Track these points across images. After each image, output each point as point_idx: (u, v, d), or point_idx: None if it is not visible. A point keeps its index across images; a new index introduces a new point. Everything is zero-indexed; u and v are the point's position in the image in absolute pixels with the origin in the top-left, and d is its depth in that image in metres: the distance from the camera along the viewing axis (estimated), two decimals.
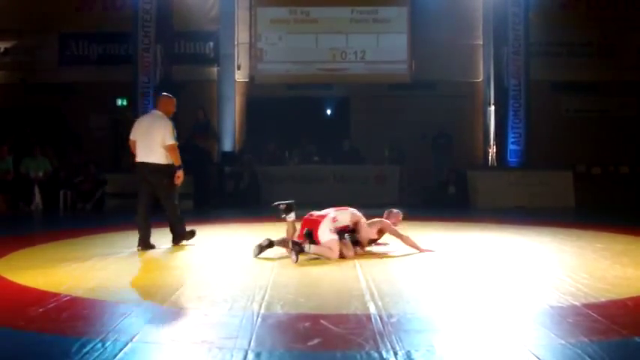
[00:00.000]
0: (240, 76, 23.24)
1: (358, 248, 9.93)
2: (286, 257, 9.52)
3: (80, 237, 10.86)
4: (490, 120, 22.88)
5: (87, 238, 11.16)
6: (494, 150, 22.47)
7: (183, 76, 22.37)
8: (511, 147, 21.72)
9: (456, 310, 6.62)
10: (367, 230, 10.09)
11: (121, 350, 5.22)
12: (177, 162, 10.71)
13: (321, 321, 6.07)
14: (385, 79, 23.11)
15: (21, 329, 5.95)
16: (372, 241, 10.37)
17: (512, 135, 21.74)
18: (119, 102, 22.28)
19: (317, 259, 9.62)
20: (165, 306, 6.70)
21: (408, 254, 10.08)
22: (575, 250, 10.39)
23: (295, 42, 23.07)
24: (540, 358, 4.98)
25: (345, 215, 9.95)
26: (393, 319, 6.14)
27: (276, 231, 10.59)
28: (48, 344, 5.55)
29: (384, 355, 5.10)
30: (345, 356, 5.13)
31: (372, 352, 5.17)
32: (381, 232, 10.39)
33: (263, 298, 6.95)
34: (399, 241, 10.27)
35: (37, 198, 18.68)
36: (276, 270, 8.83)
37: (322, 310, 6.59)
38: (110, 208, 18.64)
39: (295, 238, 9.76)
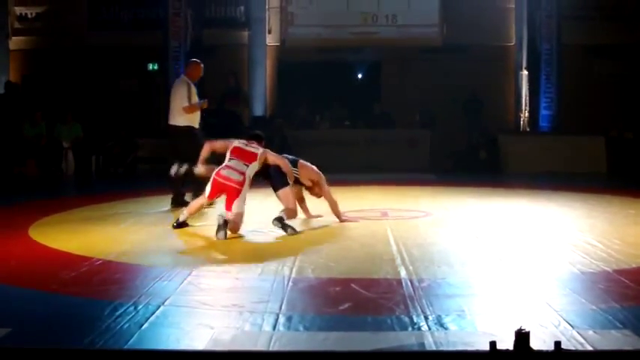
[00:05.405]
0: (271, 40, 23.14)
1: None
2: (315, 221, 9.56)
3: (112, 201, 10.92)
4: (522, 84, 22.65)
5: (119, 202, 11.21)
6: (526, 115, 22.27)
7: (213, 41, 22.28)
8: (543, 112, 21.51)
9: (487, 275, 6.62)
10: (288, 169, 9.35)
11: (152, 314, 5.27)
12: (197, 106, 11.06)
13: (352, 285, 6.10)
14: (416, 43, 22.85)
15: (54, 292, 6.04)
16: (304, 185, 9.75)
17: (545, 99, 21.53)
18: (150, 66, 22.26)
19: (349, 222, 9.68)
20: (196, 270, 6.74)
21: (438, 220, 10.08)
22: (606, 216, 10.31)
23: (326, 5, 22.86)
24: (571, 323, 4.97)
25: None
26: (424, 284, 6.15)
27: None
28: (80, 307, 5.62)
29: (415, 319, 5.12)
30: (376, 320, 5.15)
31: (402, 316, 5.19)
32: (312, 184, 9.67)
33: (294, 263, 6.99)
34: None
35: (69, 162, 18.77)
36: (307, 234, 8.86)
37: (353, 274, 6.61)
38: (142, 173, 18.70)
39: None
